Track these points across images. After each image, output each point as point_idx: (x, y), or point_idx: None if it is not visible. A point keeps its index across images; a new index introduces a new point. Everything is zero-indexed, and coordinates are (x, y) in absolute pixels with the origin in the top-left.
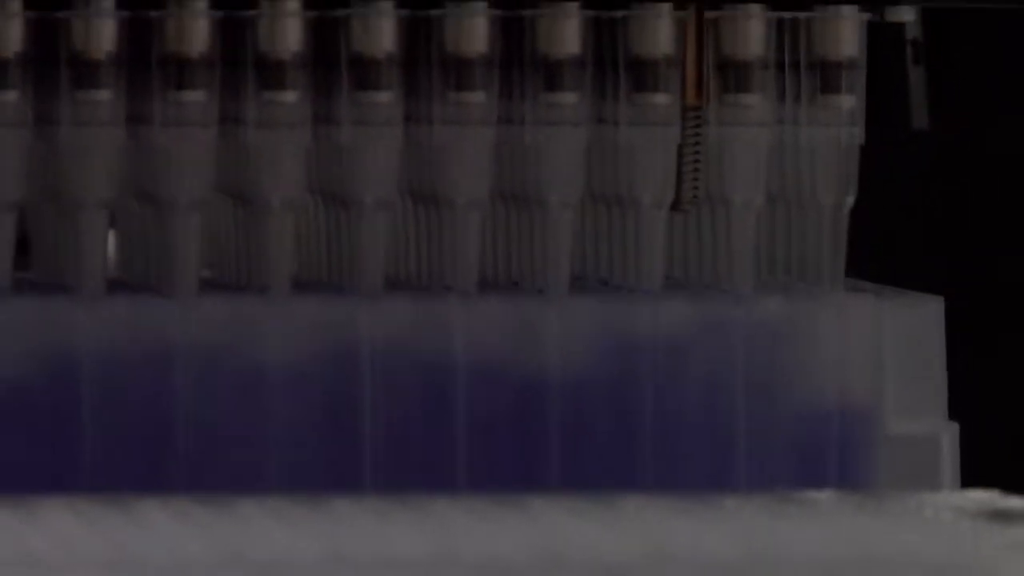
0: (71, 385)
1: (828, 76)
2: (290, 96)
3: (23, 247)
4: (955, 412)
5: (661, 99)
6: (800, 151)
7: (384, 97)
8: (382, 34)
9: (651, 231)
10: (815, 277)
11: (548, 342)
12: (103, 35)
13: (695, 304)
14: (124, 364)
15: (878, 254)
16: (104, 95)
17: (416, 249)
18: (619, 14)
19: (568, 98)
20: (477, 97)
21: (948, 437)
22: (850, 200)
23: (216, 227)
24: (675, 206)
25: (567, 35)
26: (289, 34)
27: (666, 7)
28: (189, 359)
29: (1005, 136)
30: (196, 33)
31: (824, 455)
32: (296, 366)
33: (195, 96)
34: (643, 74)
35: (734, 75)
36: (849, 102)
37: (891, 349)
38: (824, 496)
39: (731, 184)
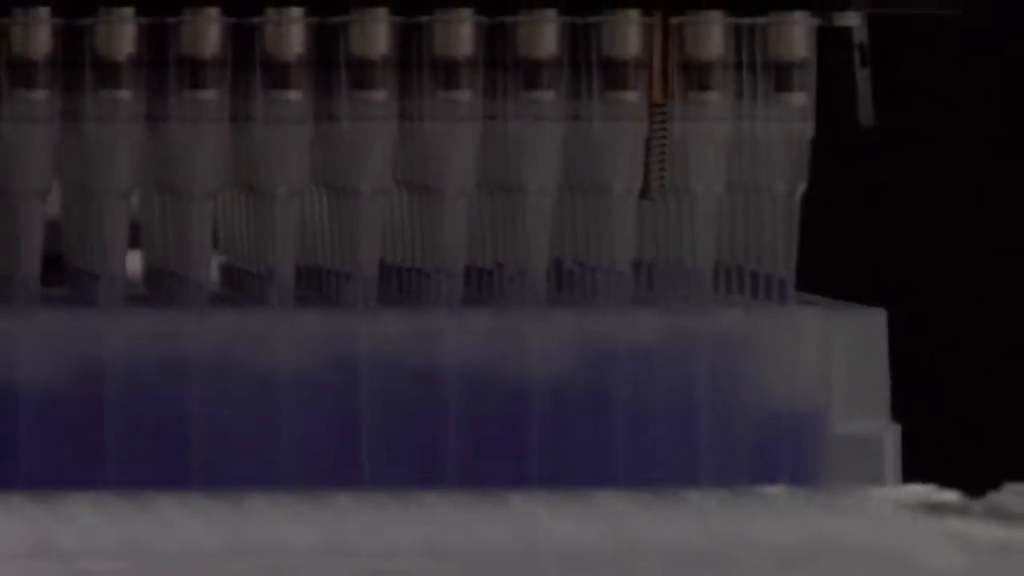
0: (95, 391)
1: (782, 76)
2: (294, 95)
3: (52, 265)
4: (897, 414)
5: (631, 97)
6: (756, 144)
7: (379, 95)
8: (377, 38)
9: (621, 217)
10: (771, 258)
11: (529, 351)
12: (124, 39)
13: (663, 316)
14: (144, 371)
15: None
16: (125, 94)
17: (409, 234)
18: (593, 19)
19: (546, 96)
20: (464, 95)
21: (890, 437)
22: (801, 188)
23: (229, 215)
24: (643, 194)
25: (545, 39)
26: (293, 38)
27: (635, 13)
28: (202, 367)
29: (938, 133)
30: (209, 37)
31: (778, 453)
32: (300, 373)
33: (208, 95)
34: (614, 74)
35: (696, 75)
36: (801, 99)
37: (839, 357)
38: (778, 490)
39: (694, 174)
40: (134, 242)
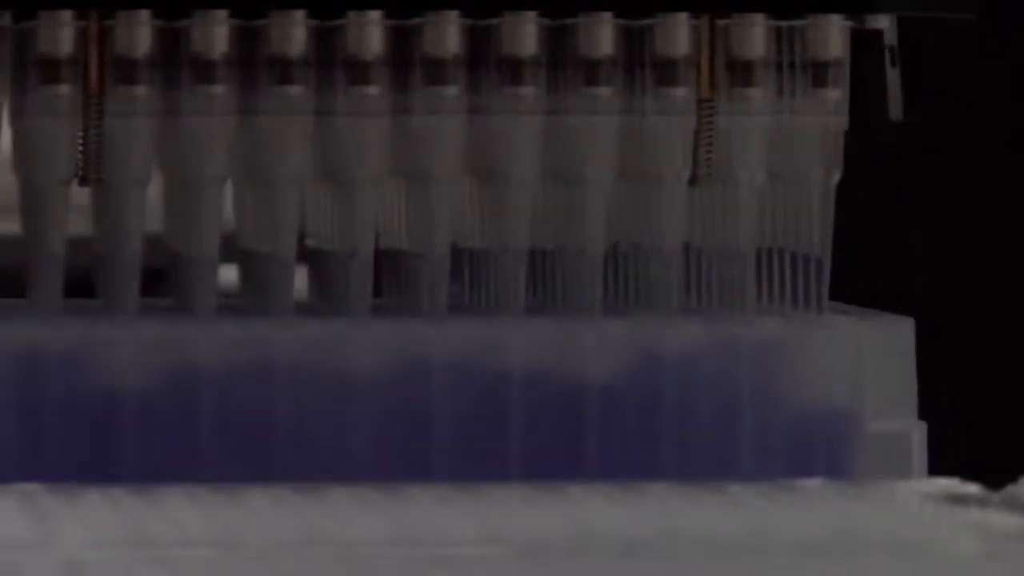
0: (190, 394)
1: (818, 73)
2: (373, 90)
3: (155, 278)
4: (924, 413)
5: (680, 93)
6: (795, 136)
7: (451, 91)
8: (449, 39)
9: (672, 202)
10: (808, 241)
11: (586, 355)
12: (217, 39)
13: (708, 324)
14: (233, 375)
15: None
16: (219, 90)
17: (478, 218)
18: (646, 22)
19: (603, 92)
20: (527, 91)
21: (917, 434)
22: (837, 176)
23: (314, 202)
24: (691, 181)
25: (602, 39)
26: (372, 39)
27: (684, 16)
28: (287, 371)
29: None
30: (295, 38)
31: (813, 449)
32: (376, 376)
33: (294, 90)
34: (665, 72)
35: (740, 73)
36: (835, 95)
37: (870, 361)
38: (813, 483)
39: (738, 163)
40: (227, 257)
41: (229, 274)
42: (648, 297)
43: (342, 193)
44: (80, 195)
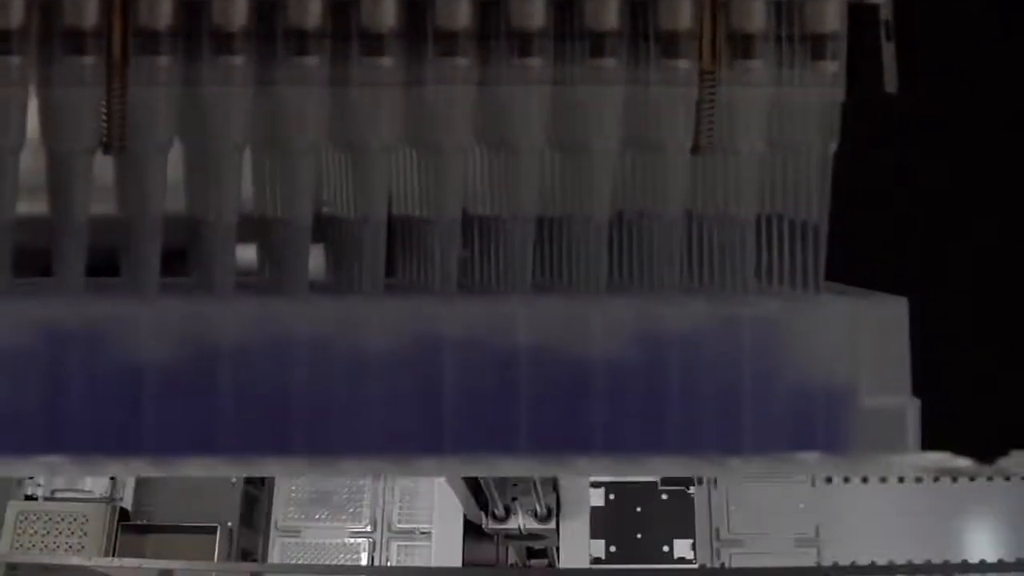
0: (210, 367)
1: (817, 46)
2: (387, 62)
3: (174, 259)
4: (917, 390)
5: (683, 64)
6: (794, 106)
7: (462, 63)
8: (460, 12)
9: (675, 170)
10: (806, 207)
11: (593, 332)
12: (237, 13)
13: (711, 304)
14: (252, 348)
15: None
16: (238, 60)
17: (488, 184)
18: None
19: (609, 63)
20: (536, 62)
21: (911, 410)
22: (834, 145)
23: (330, 169)
24: (694, 149)
25: (608, 14)
26: (386, 13)
27: None
28: (303, 345)
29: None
30: (312, 11)
31: (812, 424)
32: (390, 351)
33: (311, 61)
34: (669, 44)
35: (742, 45)
36: (833, 67)
37: (866, 340)
38: (812, 456)
39: (738, 132)
40: (244, 237)
41: (247, 254)
42: (651, 266)
43: (356, 161)
44: (105, 177)
